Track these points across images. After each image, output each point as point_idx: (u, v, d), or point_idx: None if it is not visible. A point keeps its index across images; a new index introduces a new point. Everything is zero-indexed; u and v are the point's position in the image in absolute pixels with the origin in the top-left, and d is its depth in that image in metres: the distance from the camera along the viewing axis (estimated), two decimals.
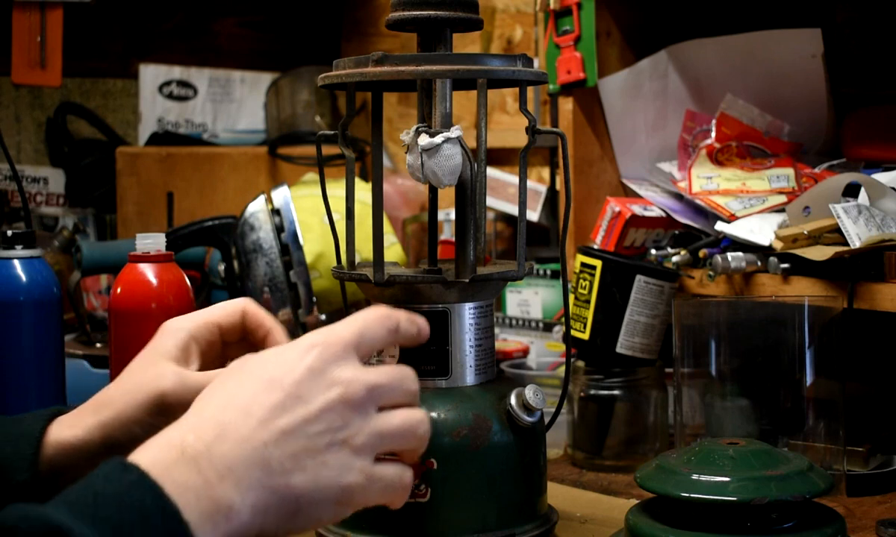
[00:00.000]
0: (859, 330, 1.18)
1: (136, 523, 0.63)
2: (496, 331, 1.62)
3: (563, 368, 1.42)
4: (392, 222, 1.79)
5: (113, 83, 2.25)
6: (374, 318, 0.76)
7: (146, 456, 0.67)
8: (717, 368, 1.14)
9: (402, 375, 0.75)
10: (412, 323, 0.79)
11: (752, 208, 1.30)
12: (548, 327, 1.62)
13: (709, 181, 1.36)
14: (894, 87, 1.41)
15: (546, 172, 1.84)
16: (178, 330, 0.94)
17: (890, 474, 1.15)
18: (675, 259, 1.31)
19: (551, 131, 0.98)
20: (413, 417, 0.75)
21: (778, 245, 1.21)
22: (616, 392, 1.28)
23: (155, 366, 0.89)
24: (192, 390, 0.83)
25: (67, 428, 0.88)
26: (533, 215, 1.76)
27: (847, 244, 1.14)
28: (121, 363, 1.15)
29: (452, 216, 1.11)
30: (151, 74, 2.26)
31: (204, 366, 0.91)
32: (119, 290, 1.16)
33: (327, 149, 1.14)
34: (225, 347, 0.92)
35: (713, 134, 1.41)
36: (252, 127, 2.32)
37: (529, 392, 0.96)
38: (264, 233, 1.40)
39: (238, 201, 1.60)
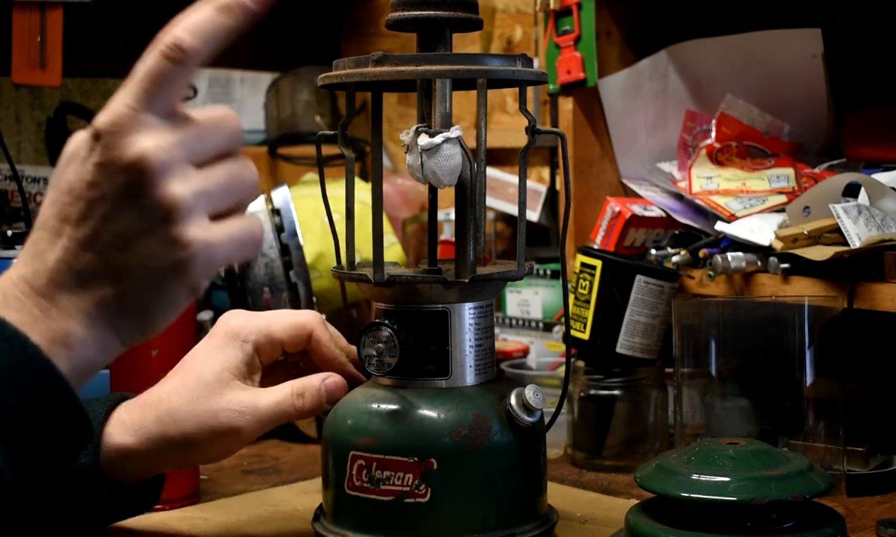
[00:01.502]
0: (859, 330, 1.18)
1: None
2: (496, 331, 1.62)
3: (563, 368, 1.42)
4: (392, 222, 1.79)
5: (113, 83, 2.24)
6: (152, 62, 0.66)
7: None
8: (717, 368, 1.14)
9: (215, 120, 0.68)
10: (198, 32, 0.66)
11: (752, 208, 1.30)
12: (548, 327, 1.62)
13: (709, 181, 1.36)
14: (894, 87, 1.41)
15: (546, 172, 1.84)
16: (246, 342, 0.95)
17: (890, 474, 1.15)
18: (675, 259, 1.31)
19: (551, 131, 0.98)
20: (237, 166, 0.68)
21: (778, 245, 1.21)
22: (616, 392, 1.28)
23: (225, 391, 0.90)
24: (262, 424, 0.85)
25: (130, 435, 0.90)
26: (533, 215, 1.76)
27: (847, 244, 1.14)
28: (120, 363, 1.15)
29: (452, 216, 1.11)
30: None
31: (264, 377, 0.93)
32: None
33: (327, 150, 1.14)
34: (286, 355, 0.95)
35: (713, 134, 1.41)
36: (252, 127, 2.32)
37: (529, 392, 0.96)
38: (264, 233, 1.40)
39: None
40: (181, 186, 0.64)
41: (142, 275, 0.65)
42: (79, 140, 0.67)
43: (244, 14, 0.67)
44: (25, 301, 0.64)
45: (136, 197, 0.64)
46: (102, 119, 0.65)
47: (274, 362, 0.98)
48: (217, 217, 0.67)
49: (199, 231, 0.65)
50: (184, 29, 0.66)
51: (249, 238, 0.68)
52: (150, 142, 0.64)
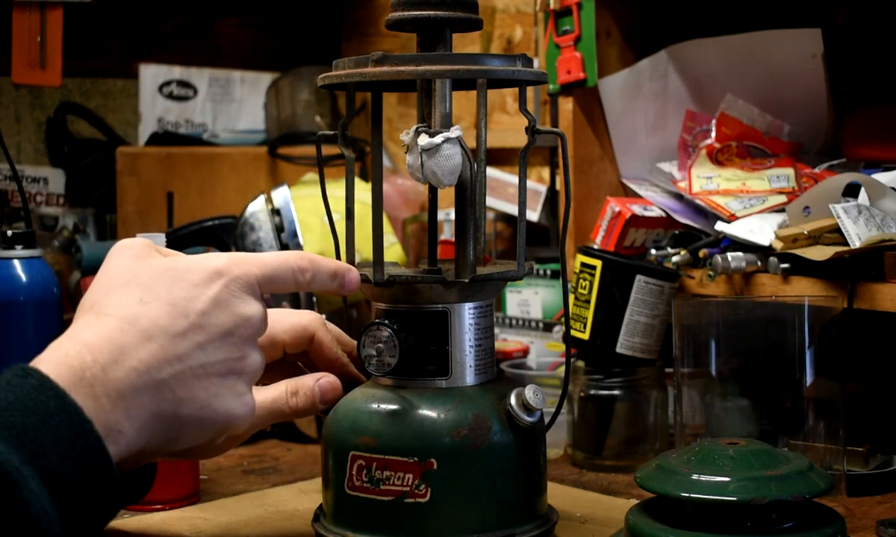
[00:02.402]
0: (859, 330, 1.18)
1: (39, 425, 0.64)
2: (496, 331, 1.62)
3: (563, 368, 1.42)
4: (392, 222, 1.79)
5: (113, 83, 2.25)
6: (287, 264, 0.80)
7: (46, 369, 0.69)
8: (717, 368, 1.14)
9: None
10: (334, 276, 0.83)
11: (752, 208, 1.30)
12: (548, 327, 1.62)
13: (709, 181, 1.37)
14: (894, 87, 1.41)
15: (546, 172, 1.84)
16: None
17: (890, 474, 1.15)
18: (675, 259, 1.31)
19: (551, 131, 0.98)
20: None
21: (778, 245, 1.21)
22: (616, 392, 1.28)
23: None
24: (255, 421, 0.87)
25: None
26: (533, 215, 1.76)
27: (847, 244, 1.14)
28: None
29: (452, 216, 1.11)
30: (151, 74, 2.26)
31: (262, 376, 0.95)
32: None
33: (327, 150, 1.14)
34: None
35: (713, 134, 1.41)
36: (252, 127, 2.32)
37: (529, 392, 0.96)
38: (264, 233, 1.40)
39: (238, 201, 1.60)
40: (258, 355, 0.77)
41: (200, 413, 0.73)
42: (194, 264, 0.76)
43: (340, 287, 0.85)
44: (97, 386, 0.69)
45: (231, 344, 0.74)
46: (228, 264, 0.76)
47: (273, 361, 0.99)
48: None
49: (251, 397, 0.77)
50: (312, 263, 0.83)
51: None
52: (259, 313, 0.77)
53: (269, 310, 0.91)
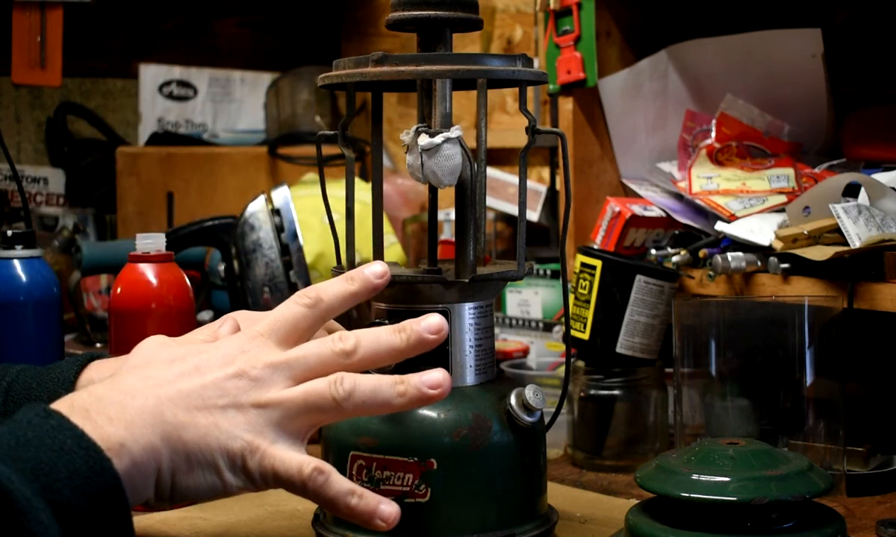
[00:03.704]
0: (859, 330, 1.18)
1: (56, 460, 0.65)
2: (496, 331, 1.62)
3: (563, 368, 1.42)
4: (392, 222, 1.79)
5: (113, 83, 2.25)
6: (287, 308, 0.80)
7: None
8: (717, 368, 1.14)
9: (317, 344, 0.79)
10: (352, 280, 0.82)
11: (752, 208, 1.30)
12: (548, 327, 1.62)
13: (709, 181, 1.37)
14: (894, 87, 1.41)
15: (546, 172, 1.84)
16: None
17: (890, 474, 1.15)
18: (675, 259, 1.31)
19: (551, 131, 0.98)
20: (318, 381, 0.77)
21: (778, 245, 1.21)
22: (616, 392, 1.28)
23: None
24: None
25: (106, 371, 0.91)
26: (533, 215, 1.76)
27: (847, 244, 1.14)
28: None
29: (452, 216, 1.11)
30: (151, 74, 2.26)
31: None
32: (119, 290, 1.16)
33: (327, 149, 1.14)
34: None
35: (713, 134, 1.41)
36: (252, 127, 2.32)
37: (529, 392, 0.96)
38: (264, 233, 1.40)
39: (238, 201, 1.60)
40: (272, 392, 0.76)
41: (202, 440, 0.73)
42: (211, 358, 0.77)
43: (365, 285, 0.83)
44: (92, 410, 0.70)
45: (229, 379, 0.75)
46: (243, 323, 0.82)
47: None
48: None
49: (262, 437, 0.76)
50: (316, 286, 0.82)
51: (296, 472, 0.77)
52: (268, 358, 0.77)
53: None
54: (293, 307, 0.80)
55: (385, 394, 0.78)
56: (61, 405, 0.70)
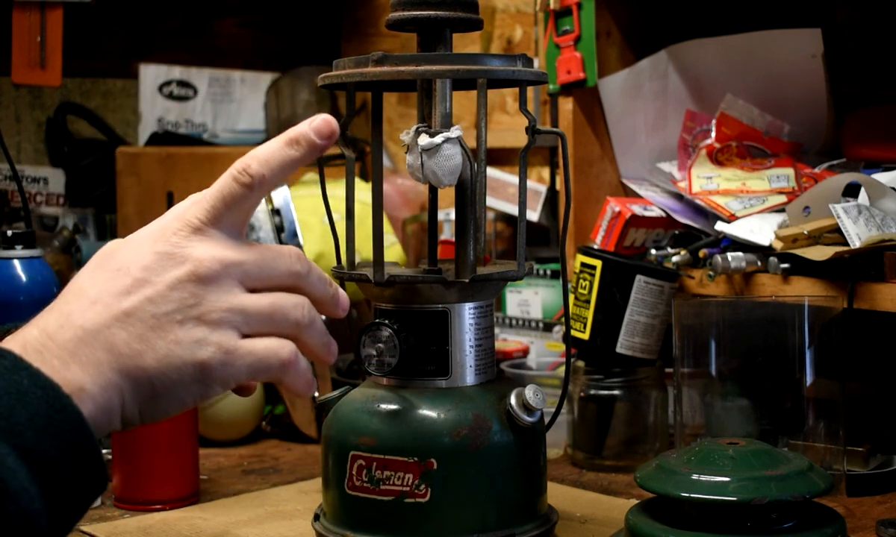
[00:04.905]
0: (859, 330, 1.18)
1: (14, 403, 0.63)
2: (496, 331, 1.62)
3: (563, 368, 1.42)
4: (392, 222, 1.79)
5: (113, 83, 2.24)
6: (223, 184, 0.73)
7: None
8: (717, 368, 1.14)
9: (275, 254, 0.73)
10: (291, 143, 0.75)
11: (752, 208, 1.30)
12: (548, 327, 1.62)
13: (709, 181, 1.36)
14: (894, 87, 1.41)
15: (546, 172, 1.84)
16: None
17: (890, 474, 1.15)
18: (675, 259, 1.31)
19: (551, 131, 0.98)
20: (286, 299, 0.72)
21: (778, 245, 1.21)
22: (616, 392, 1.28)
23: None
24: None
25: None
26: (533, 215, 1.76)
27: (847, 244, 1.14)
28: None
29: (452, 216, 1.11)
30: (151, 74, 2.26)
31: None
32: None
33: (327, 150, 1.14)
34: None
35: (713, 134, 1.41)
36: (252, 127, 2.32)
37: (529, 392, 0.96)
38: (264, 233, 1.40)
39: None
40: (222, 298, 0.70)
41: (163, 360, 0.69)
42: (140, 233, 0.73)
43: (310, 147, 0.76)
44: (45, 352, 0.67)
45: (179, 290, 0.70)
46: (168, 220, 0.72)
47: None
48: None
49: (226, 340, 0.70)
50: (254, 157, 0.74)
51: (276, 360, 0.71)
52: (208, 252, 0.70)
53: None
54: (233, 186, 0.73)
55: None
56: (12, 343, 0.68)
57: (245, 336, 0.71)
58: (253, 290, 0.72)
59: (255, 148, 0.75)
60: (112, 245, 0.75)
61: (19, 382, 0.64)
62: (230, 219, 0.72)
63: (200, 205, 0.72)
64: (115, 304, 0.69)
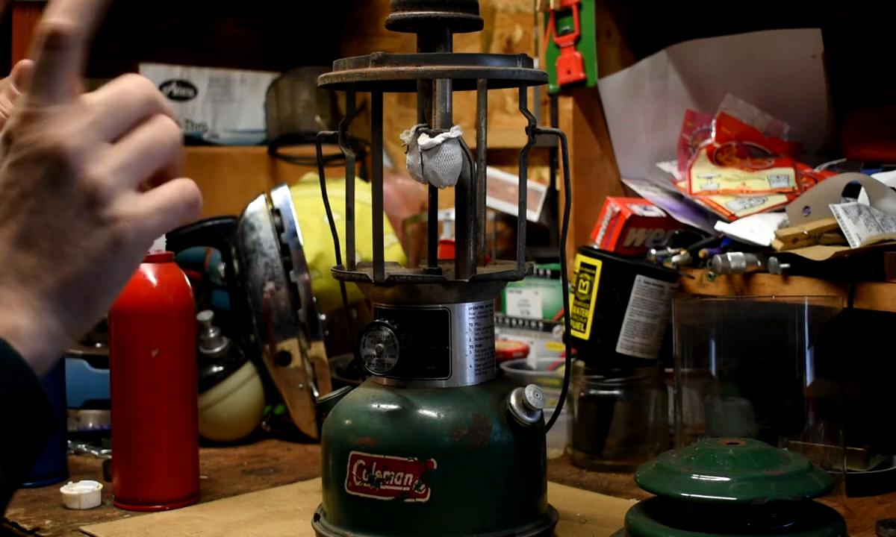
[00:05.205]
0: (859, 330, 1.18)
1: None
2: (496, 331, 1.62)
3: (563, 368, 1.42)
4: (392, 222, 1.79)
5: None
6: (40, 55, 0.66)
7: None
8: (717, 368, 1.14)
9: (120, 91, 0.68)
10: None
11: (752, 208, 1.30)
12: (548, 327, 1.62)
13: (709, 181, 1.36)
14: (894, 87, 1.41)
15: (546, 172, 1.84)
16: None
17: (890, 474, 1.15)
18: (675, 259, 1.31)
19: (551, 131, 0.98)
20: (154, 130, 0.67)
21: (778, 245, 1.21)
22: (616, 392, 1.28)
23: None
24: None
25: None
26: (533, 215, 1.76)
27: (847, 244, 1.14)
28: (121, 363, 1.15)
29: (452, 216, 1.11)
30: (151, 74, 2.26)
31: None
32: None
33: (327, 150, 1.14)
34: None
35: (713, 134, 1.41)
36: (252, 127, 2.32)
37: (529, 392, 0.96)
38: (264, 233, 1.40)
39: (238, 201, 1.60)
40: (99, 167, 0.65)
41: (79, 261, 0.65)
42: None
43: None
44: None
45: (57, 186, 0.65)
46: (10, 122, 0.66)
47: None
48: (155, 182, 0.68)
49: (126, 206, 0.66)
50: (58, 13, 0.66)
51: (181, 202, 0.67)
52: (60, 130, 0.65)
53: None
54: (49, 56, 0.65)
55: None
56: None
57: (140, 189, 0.67)
58: (118, 138, 0.67)
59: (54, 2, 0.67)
60: None
61: None
62: (60, 87, 0.66)
63: (27, 90, 0.66)
64: (5, 234, 0.65)
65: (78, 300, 0.66)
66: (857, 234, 1.14)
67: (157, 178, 0.68)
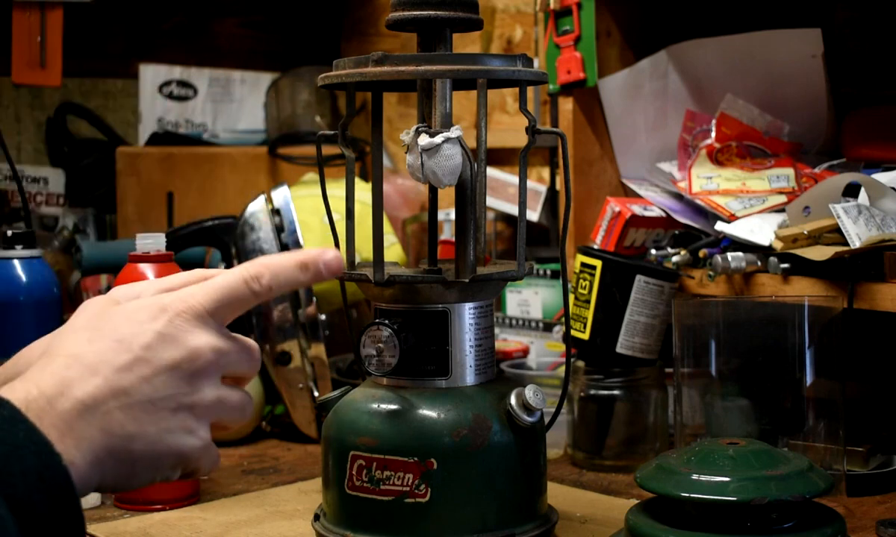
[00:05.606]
0: (859, 330, 1.18)
1: (9, 455, 0.64)
2: (496, 331, 1.62)
3: (563, 368, 1.42)
4: (392, 222, 1.79)
5: (113, 83, 2.24)
6: (236, 279, 0.75)
7: None
8: (717, 368, 1.14)
9: (249, 347, 0.76)
10: (304, 267, 0.78)
11: (752, 208, 1.30)
12: (548, 327, 1.62)
13: (709, 181, 1.36)
14: (894, 87, 1.41)
15: (546, 172, 1.84)
16: None
17: (890, 474, 1.15)
18: (675, 259, 1.31)
19: (551, 131, 0.98)
20: (246, 398, 0.76)
21: (778, 245, 1.21)
22: (616, 392, 1.28)
23: None
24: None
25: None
26: (533, 215, 1.76)
27: (847, 244, 1.14)
28: None
29: (452, 216, 1.11)
30: (151, 74, 2.26)
31: None
32: None
33: (327, 150, 1.14)
34: None
35: (713, 134, 1.41)
36: (252, 127, 2.32)
37: (529, 392, 0.96)
38: (264, 233, 1.40)
39: (238, 201, 1.60)
40: (211, 391, 0.73)
41: (151, 447, 0.71)
42: (143, 304, 0.74)
43: (315, 276, 0.79)
44: (45, 418, 0.68)
45: (179, 378, 0.72)
46: (173, 299, 0.74)
47: None
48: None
49: (205, 432, 0.74)
50: (266, 267, 0.76)
51: (213, 463, 0.75)
52: (207, 343, 0.73)
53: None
54: (242, 288, 0.75)
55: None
56: (11, 394, 0.69)
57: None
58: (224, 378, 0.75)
59: (269, 257, 0.77)
60: (104, 302, 0.76)
61: (15, 435, 0.66)
62: (227, 314, 0.75)
63: (207, 292, 0.74)
64: (114, 380, 0.70)
65: (124, 472, 0.72)
66: (857, 234, 1.14)
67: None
